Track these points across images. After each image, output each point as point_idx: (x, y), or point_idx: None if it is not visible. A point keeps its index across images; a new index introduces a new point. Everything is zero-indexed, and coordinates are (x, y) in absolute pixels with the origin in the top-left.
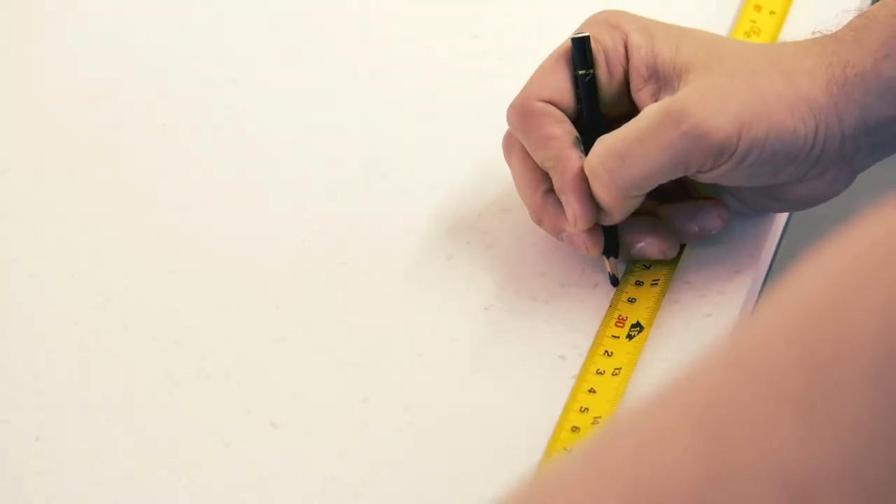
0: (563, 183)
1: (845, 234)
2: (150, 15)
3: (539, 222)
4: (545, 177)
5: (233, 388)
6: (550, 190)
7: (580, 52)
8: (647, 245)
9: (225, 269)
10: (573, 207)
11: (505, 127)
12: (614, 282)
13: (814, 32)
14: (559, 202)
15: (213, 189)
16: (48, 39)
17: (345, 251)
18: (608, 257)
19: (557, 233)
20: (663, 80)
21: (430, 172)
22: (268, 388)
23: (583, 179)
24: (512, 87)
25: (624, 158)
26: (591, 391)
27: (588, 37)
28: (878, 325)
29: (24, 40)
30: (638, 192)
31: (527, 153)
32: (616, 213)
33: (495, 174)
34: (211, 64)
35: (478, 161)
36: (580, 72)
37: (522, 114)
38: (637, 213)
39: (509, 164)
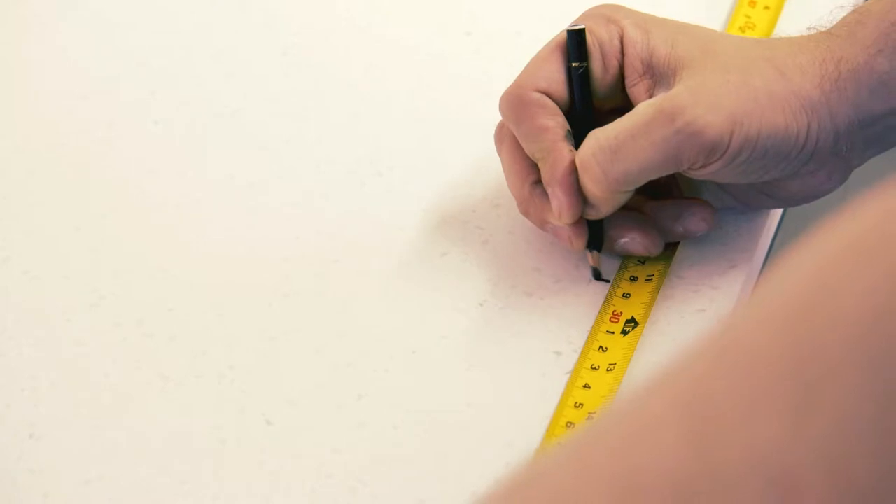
0: (552, 175)
1: (836, 221)
2: (144, 13)
3: (526, 214)
4: (534, 168)
5: (227, 386)
6: (539, 181)
7: (575, 44)
8: (632, 241)
9: (219, 266)
10: (559, 200)
11: None
12: (597, 275)
13: (809, 28)
14: (547, 194)
15: (207, 187)
16: (41, 38)
17: (340, 249)
18: (592, 251)
19: (543, 224)
20: (658, 76)
21: (425, 169)
22: (262, 386)
23: (572, 172)
24: (507, 83)
25: (616, 153)
26: (586, 387)
27: (583, 29)
28: (868, 314)
29: (17, 39)
30: (628, 187)
31: (517, 144)
32: (603, 207)
33: (490, 170)
34: (205, 62)
35: (474, 157)
36: (574, 64)
37: (516, 103)
38: (623, 209)
39: (500, 155)
